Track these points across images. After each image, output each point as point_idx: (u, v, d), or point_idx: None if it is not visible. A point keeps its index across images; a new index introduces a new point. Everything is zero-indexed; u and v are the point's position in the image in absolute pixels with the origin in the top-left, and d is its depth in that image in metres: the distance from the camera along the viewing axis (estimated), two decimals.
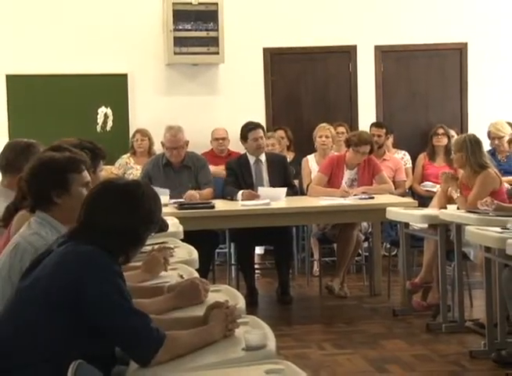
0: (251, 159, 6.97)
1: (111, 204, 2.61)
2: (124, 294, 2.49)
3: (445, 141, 8.11)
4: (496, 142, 8.04)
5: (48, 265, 2.54)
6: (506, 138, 7.82)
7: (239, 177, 6.92)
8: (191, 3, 8.41)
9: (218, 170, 7.58)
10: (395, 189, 7.33)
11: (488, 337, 5.06)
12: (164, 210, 4.93)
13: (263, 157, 7.00)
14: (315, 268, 7.62)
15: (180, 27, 8.39)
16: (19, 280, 2.64)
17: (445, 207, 5.80)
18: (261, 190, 6.70)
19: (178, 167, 6.82)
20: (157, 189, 3.22)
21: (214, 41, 8.43)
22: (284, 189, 6.73)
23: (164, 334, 2.45)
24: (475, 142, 5.82)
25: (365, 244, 7.30)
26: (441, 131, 8.23)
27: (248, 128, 6.99)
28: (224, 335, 2.59)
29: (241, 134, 7.05)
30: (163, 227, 4.48)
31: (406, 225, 6.23)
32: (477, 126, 8.47)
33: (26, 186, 3.16)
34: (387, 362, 5.02)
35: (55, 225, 3.04)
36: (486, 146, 7.91)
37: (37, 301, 2.48)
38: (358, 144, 6.90)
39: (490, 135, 8.13)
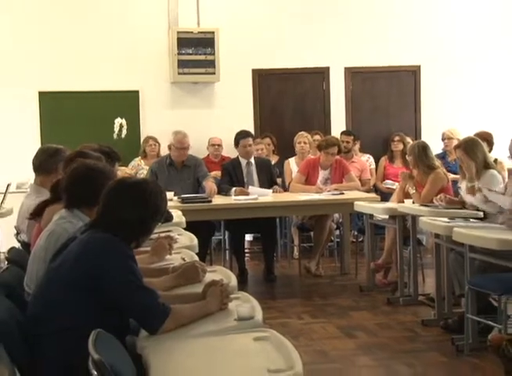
0: (243, 162, 6.96)
1: (125, 199, 2.60)
2: (136, 274, 2.48)
3: (400, 146, 8.11)
4: (446, 141, 8.02)
5: (73, 250, 2.53)
6: (455, 141, 7.81)
7: (233, 176, 6.90)
8: (192, 32, 8.40)
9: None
10: (362, 186, 7.33)
11: (437, 308, 5.09)
12: (169, 203, 4.93)
13: (252, 160, 6.99)
14: (295, 252, 7.60)
15: (183, 52, 8.37)
16: (50, 262, 2.63)
17: (403, 202, 5.82)
18: (251, 189, 6.71)
19: (180, 166, 6.80)
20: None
21: (211, 64, 8.41)
22: (270, 191, 6.74)
23: (169, 307, 2.44)
24: (422, 148, 5.84)
25: (337, 232, 7.29)
26: (397, 138, 8.25)
27: (240, 136, 6.98)
28: (219, 308, 2.59)
29: (234, 140, 7.03)
30: (168, 218, 4.49)
31: (371, 216, 6.24)
32: (429, 134, 8.49)
33: (73, 186, 3.09)
34: (355, 329, 5.03)
35: (83, 218, 3.03)
36: (439, 149, 7.94)
37: (63, 281, 2.47)
38: (327, 147, 6.93)
39: (443, 137, 8.11)
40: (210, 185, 6.62)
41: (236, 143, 6.98)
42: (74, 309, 2.42)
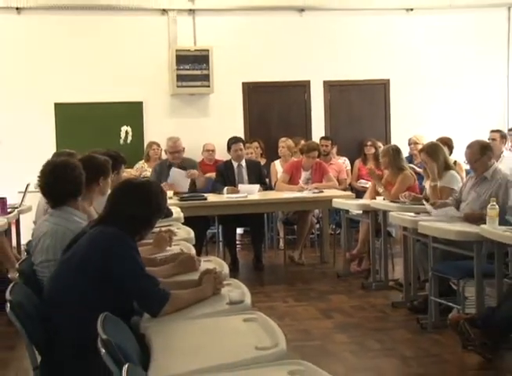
0: (234, 164, 6.96)
1: (130, 197, 2.59)
2: (139, 264, 2.47)
3: (372, 150, 8.11)
4: (412, 146, 8.04)
5: (83, 243, 2.52)
6: (420, 146, 7.82)
7: (225, 177, 6.90)
8: (189, 50, 8.40)
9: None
10: (339, 185, 7.34)
11: (405, 292, 5.11)
12: (169, 201, 4.93)
13: (243, 163, 6.98)
14: (281, 243, 7.61)
15: (181, 67, 8.36)
16: (61, 254, 2.62)
17: (375, 198, 5.84)
18: (240, 186, 6.71)
19: (177, 168, 6.80)
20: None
21: (206, 78, 8.41)
22: (257, 186, 6.74)
23: (168, 293, 2.44)
24: (396, 151, 5.87)
25: (317, 226, 7.31)
26: (369, 143, 8.27)
27: (232, 142, 6.99)
28: (213, 293, 2.58)
29: (227, 145, 7.05)
30: (168, 214, 4.49)
31: (347, 211, 6.26)
32: (397, 139, 8.48)
33: (52, 186, 2.99)
34: (333, 311, 5.05)
35: (74, 212, 2.98)
36: (405, 152, 7.96)
37: (75, 270, 2.45)
38: (308, 151, 6.94)
39: (410, 142, 8.13)
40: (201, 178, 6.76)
41: (229, 148, 6.99)
42: (84, 297, 2.41)
